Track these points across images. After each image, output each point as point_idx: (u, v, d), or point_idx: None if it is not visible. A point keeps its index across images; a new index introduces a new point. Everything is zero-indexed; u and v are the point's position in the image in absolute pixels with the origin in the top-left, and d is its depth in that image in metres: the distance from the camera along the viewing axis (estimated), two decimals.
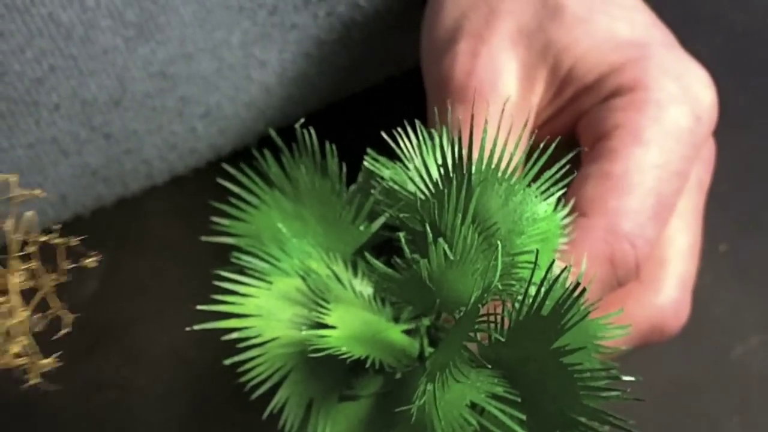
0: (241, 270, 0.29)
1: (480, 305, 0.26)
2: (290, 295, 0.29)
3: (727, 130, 0.40)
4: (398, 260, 0.28)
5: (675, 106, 0.35)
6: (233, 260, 0.30)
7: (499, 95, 0.36)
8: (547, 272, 0.25)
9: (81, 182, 0.46)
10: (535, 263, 0.26)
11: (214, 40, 0.44)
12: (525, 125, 0.36)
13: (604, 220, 0.34)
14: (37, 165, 0.44)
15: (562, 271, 0.26)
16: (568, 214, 0.31)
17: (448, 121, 0.36)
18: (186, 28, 0.42)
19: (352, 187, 0.31)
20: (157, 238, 0.48)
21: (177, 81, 0.44)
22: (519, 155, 0.28)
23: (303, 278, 0.29)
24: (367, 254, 0.28)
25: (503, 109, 0.36)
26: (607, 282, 0.34)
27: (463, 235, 0.27)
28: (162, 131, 0.46)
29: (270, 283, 0.29)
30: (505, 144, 0.28)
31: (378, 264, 0.28)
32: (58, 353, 0.28)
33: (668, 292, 0.37)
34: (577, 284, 0.24)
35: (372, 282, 0.29)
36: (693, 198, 0.39)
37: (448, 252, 0.27)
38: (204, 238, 0.30)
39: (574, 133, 0.38)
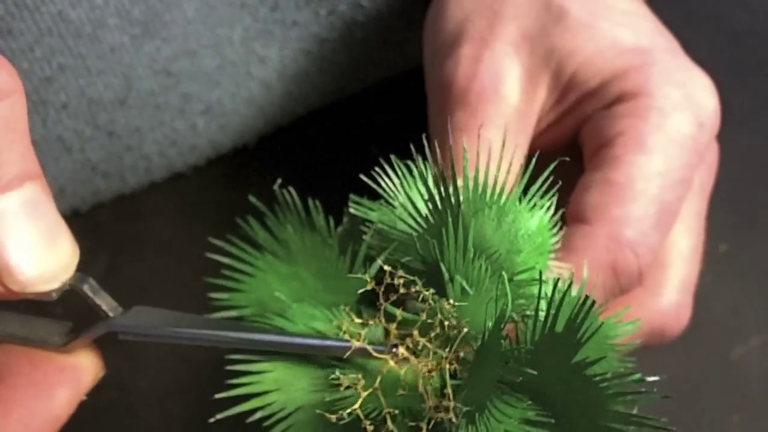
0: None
1: (501, 339, 0.25)
2: (303, 362, 0.29)
3: (728, 130, 0.40)
4: (417, 304, 0.28)
5: (678, 114, 0.36)
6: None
7: (502, 100, 0.36)
8: (554, 288, 0.25)
9: (80, 176, 0.47)
10: (541, 280, 0.26)
11: (217, 36, 0.44)
12: (526, 131, 0.36)
13: (607, 228, 0.34)
14: (38, 160, 0.45)
15: (568, 287, 0.26)
16: (554, 214, 0.31)
17: (449, 127, 0.36)
18: (189, 25, 0.43)
19: (339, 229, 0.31)
20: (157, 238, 0.48)
21: (180, 78, 0.45)
22: (516, 167, 0.28)
23: None
24: (386, 304, 0.28)
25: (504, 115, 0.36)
26: (609, 289, 0.34)
27: (475, 269, 0.27)
28: (163, 128, 0.47)
29: (281, 354, 0.29)
30: (488, 166, 0.28)
31: (399, 312, 0.27)
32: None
33: (669, 295, 0.38)
34: (587, 297, 0.24)
35: (381, 325, 0.29)
36: (695, 202, 0.39)
37: (466, 287, 0.27)
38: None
39: (577, 138, 0.38)
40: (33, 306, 0.26)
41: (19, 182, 0.23)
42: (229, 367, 0.28)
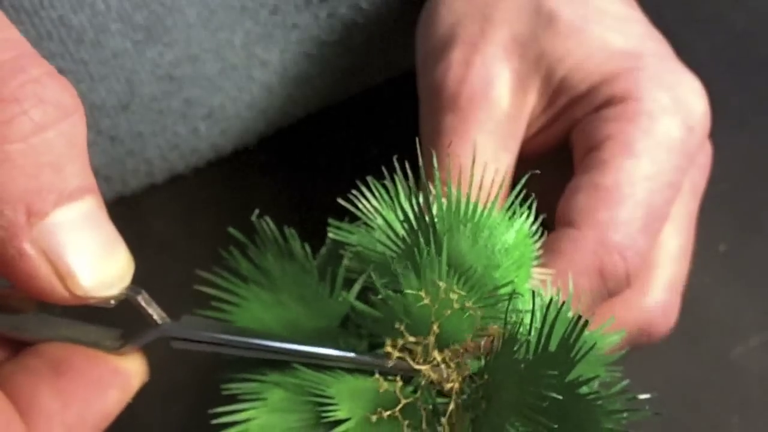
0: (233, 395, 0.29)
1: (521, 365, 0.25)
2: (288, 404, 0.28)
3: (727, 130, 0.40)
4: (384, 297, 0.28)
5: (666, 117, 0.36)
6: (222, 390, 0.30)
7: (492, 105, 0.37)
8: (548, 308, 0.25)
9: None
10: (512, 295, 0.26)
11: (218, 40, 0.44)
12: (516, 136, 0.36)
13: (594, 232, 0.34)
14: None
15: (562, 307, 0.26)
16: (534, 223, 0.31)
17: (439, 130, 0.36)
18: (191, 30, 0.43)
19: (321, 252, 0.31)
20: (157, 238, 0.48)
21: (183, 83, 0.45)
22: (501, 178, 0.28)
23: (293, 391, 0.29)
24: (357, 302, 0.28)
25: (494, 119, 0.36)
26: (597, 293, 0.34)
27: (447, 293, 0.27)
28: (166, 132, 0.47)
29: (264, 398, 0.28)
30: (460, 183, 0.29)
31: (364, 309, 0.28)
32: None
33: (656, 294, 0.38)
34: (580, 317, 0.24)
35: (362, 344, 0.29)
36: (686, 203, 0.39)
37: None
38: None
39: (568, 142, 0.38)
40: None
41: (80, 194, 0.24)
42: (214, 421, 0.28)
